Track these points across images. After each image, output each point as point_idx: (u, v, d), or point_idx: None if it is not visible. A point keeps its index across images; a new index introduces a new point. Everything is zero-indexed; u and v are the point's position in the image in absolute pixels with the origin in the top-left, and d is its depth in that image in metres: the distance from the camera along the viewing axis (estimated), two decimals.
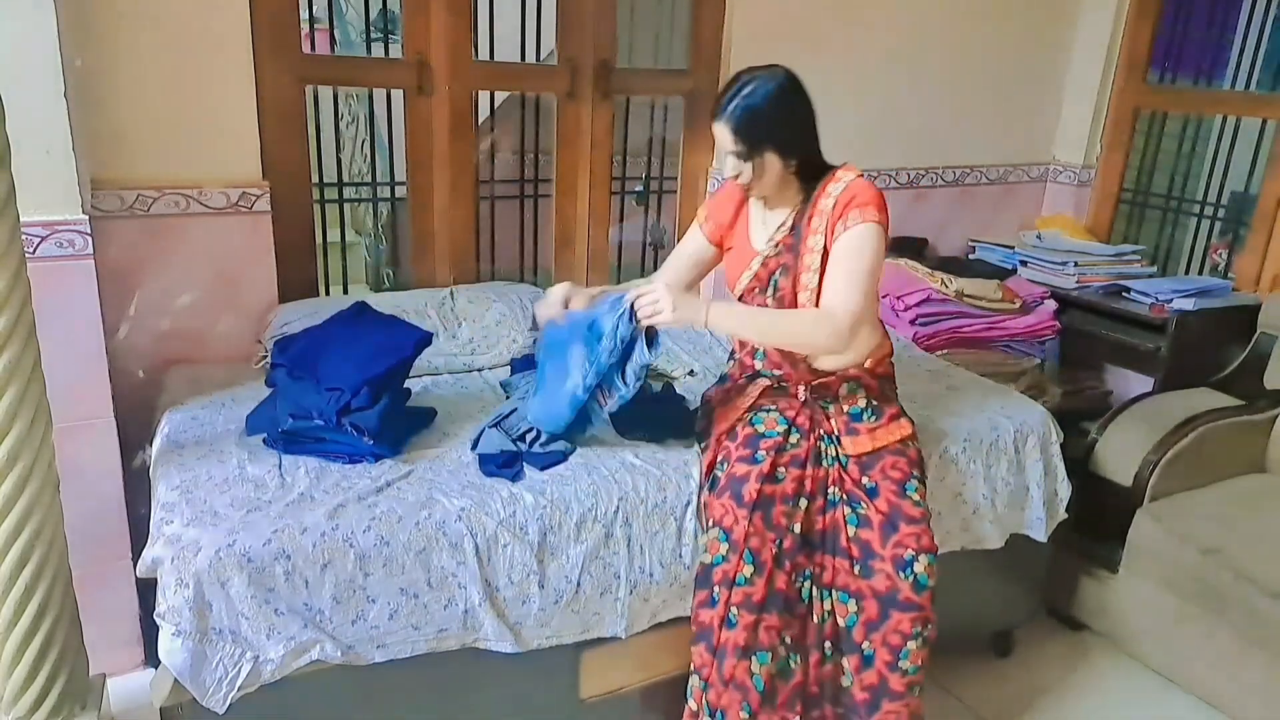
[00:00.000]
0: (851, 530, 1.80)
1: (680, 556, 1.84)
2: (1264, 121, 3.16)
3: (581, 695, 1.89)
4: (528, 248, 2.96)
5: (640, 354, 1.80)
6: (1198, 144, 3.56)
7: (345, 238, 3.19)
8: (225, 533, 1.55)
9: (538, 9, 2.83)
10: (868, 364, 1.90)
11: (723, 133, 1.75)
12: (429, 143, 2.56)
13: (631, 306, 1.76)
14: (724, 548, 1.74)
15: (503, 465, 1.84)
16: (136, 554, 1.67)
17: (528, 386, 2.15)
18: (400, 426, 1.92)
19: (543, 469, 1.85)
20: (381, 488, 1.73)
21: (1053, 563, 2.43)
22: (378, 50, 3.21)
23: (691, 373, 2.44)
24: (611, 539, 1.78)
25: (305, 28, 2.60)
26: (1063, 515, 2.31)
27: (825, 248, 1.78)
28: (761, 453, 1.80)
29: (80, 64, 1.97)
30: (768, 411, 1.89)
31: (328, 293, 2.67)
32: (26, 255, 1.46)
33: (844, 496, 1.82)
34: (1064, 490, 2.30)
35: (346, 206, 3.19)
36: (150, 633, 1.86)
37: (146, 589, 1.65)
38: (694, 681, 1.79)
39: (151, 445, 1.97)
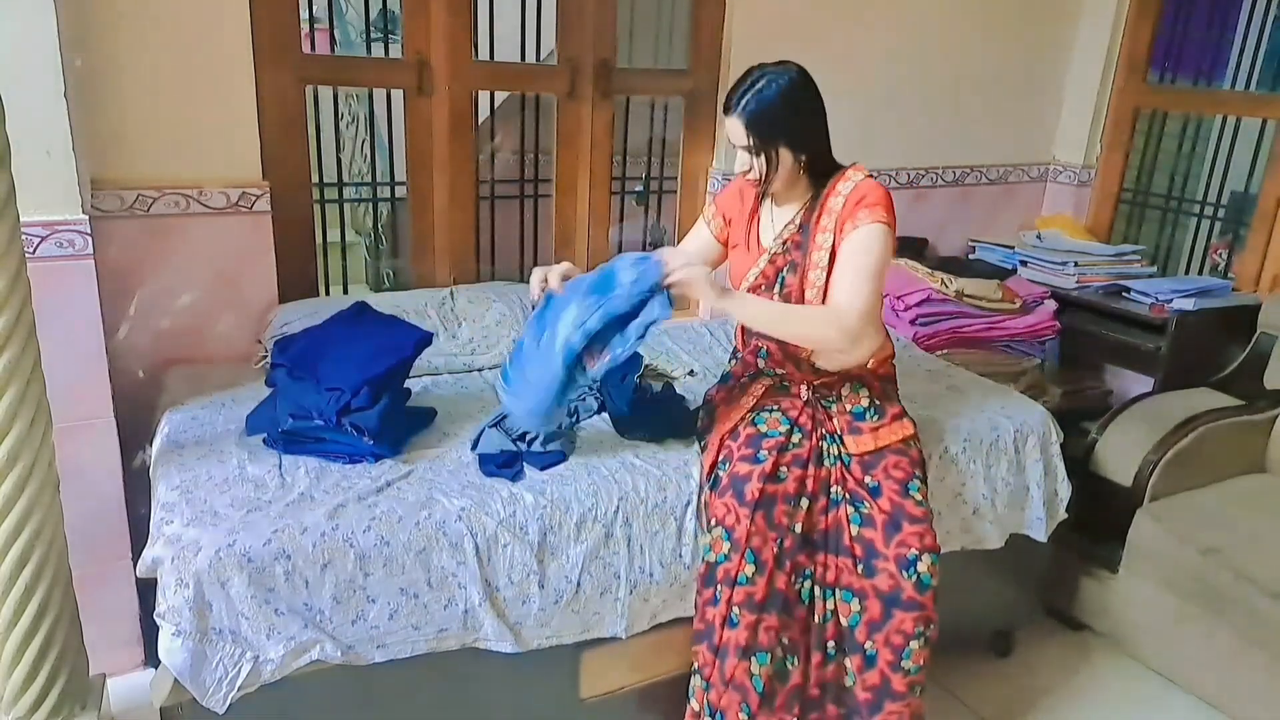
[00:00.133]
0: (854, 529, 1.80)
1: (680, 556, 1.84)
2: (1264, 121, 3.16)
3: (581, 695, 1.89)
4: (528, 248, 2.96)
5: (657, 309, 1.69)
6: (1198, 144, 3.56)
7: (345, 238, 3.19)
8: (225, 533, 1.55)
9: (538, 9, 2.83)
10: (870, 364, 1.90)
11: (735, 127, 1.75)
12: (429, 143, 2.56)
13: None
14: (726, 547, 1.74)
15: (502, 465, 1.84)
16: (136, 554, 1.67)
17: None
18: (400, 426, 1.92)
19: (543, 469, 1.85)
20: (381, 488, 1.73)
21: (1053, 563, 2.43)
22: (378, 50, 3.21)
23: (691, 373, 2.44)
24: (611, 539, 1.78)
25: (305, 28, 2.61)
26: (1063, 515, 2.31)
27: (834, 247, 1.78)
28: (764, 452, 1.80)
29: (80, 64, 1.97)
30: (770, 411, 1.89)
31: (328, 293, 2.68)
32: (26, 255, 1.46)
33: (847, 496, 1.82)
34: (1064, 490, 2.30)
35: (346, 206, 3.20)
36: (150, 633, 1.86)
37: (146, 589, 1.65)
38: (696, 681, 1.79)
39: (151, 445, 1.97)
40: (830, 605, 1.81)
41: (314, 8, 3.38)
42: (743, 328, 2.02)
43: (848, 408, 1.88)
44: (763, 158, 1.76)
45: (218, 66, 2.17)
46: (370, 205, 3.97)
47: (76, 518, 1.69)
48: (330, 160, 2.71)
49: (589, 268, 2.84)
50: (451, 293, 2.52)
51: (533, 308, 1.84)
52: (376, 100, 2.77)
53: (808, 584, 1.80)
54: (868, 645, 1.77)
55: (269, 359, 2.12)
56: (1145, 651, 2.42)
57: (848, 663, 1.81)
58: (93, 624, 1.72)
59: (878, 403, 1.88)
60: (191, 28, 2.12)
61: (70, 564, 1.62)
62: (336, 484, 1.74)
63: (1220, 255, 3.41)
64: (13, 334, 1.42)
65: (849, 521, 1.80)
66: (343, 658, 1.60)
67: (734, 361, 2.06)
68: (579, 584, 1.76)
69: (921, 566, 1.75)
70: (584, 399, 2.13)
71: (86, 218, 1.89)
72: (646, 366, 2.34)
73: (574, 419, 2.07)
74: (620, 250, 3.05)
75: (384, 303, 2.32)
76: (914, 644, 1.75)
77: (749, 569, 1.73)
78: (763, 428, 1.85)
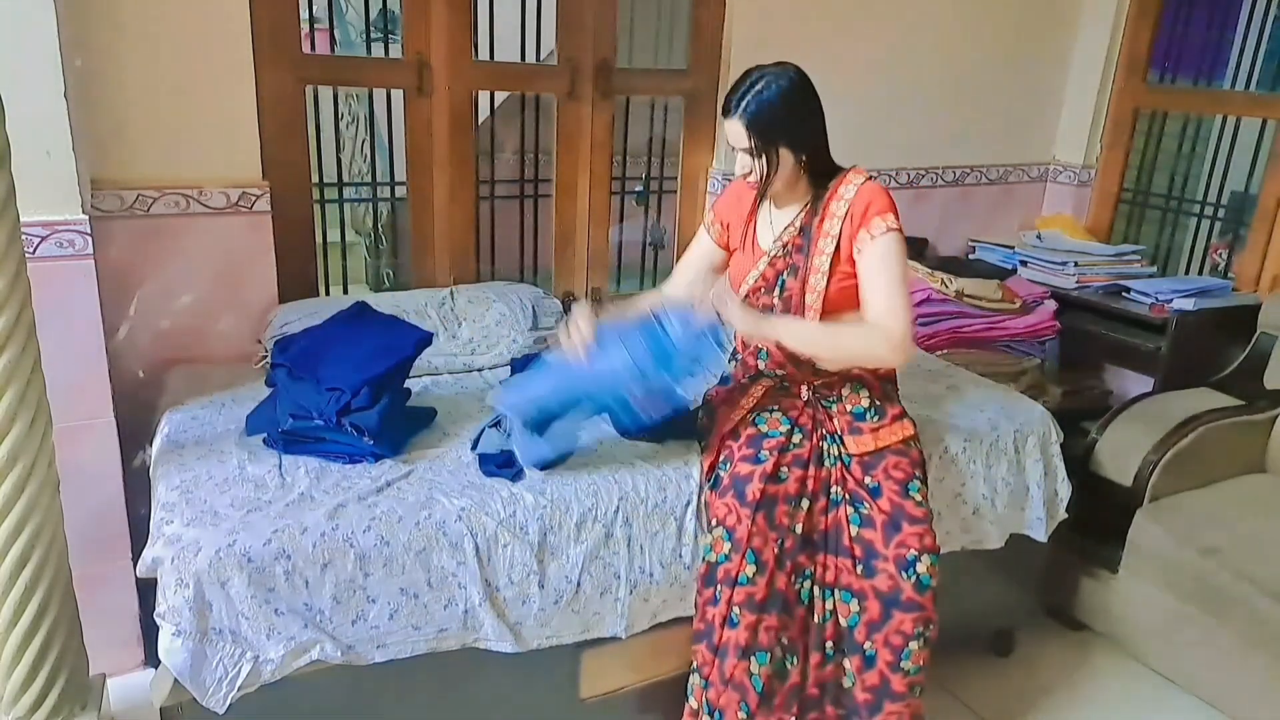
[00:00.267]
0: (854, 530, 1.80)
1: (680, 556, 1.84)
2: (1264, 121, 3.16)
3: (581, 695, 1.89)
4: (528, 248, 2.96)
5: (707, 354, 1.72)
6: (1198, 144, 3.56)
7: (345, 238, 3.20)
8: (225, 533, 1.55)
9: (538, 9, 2.83)
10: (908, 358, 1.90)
11: (735, 129, 1.75)
12: (429, 143, 2.56)
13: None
14: (727, 547, 1.74)
15: (502, 465, 1.83)
16: (136, 554, 1.67)
17: None
18: (400, 426, 1.91)
19: (543, 469, 1.85)
20: (381, 488, 1.73)
21: (1053, 563, 2.43)
22: (378, 50, 3.21)
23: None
24: (612, 539, 1.78)
25: (305, 28, 2.60)
26: (1063, 515, 2.31)
27: (837, 251, 1.78)
28: (765, 452, 1.80)
29: (80, 64, 1.97)
30: (771, 411, 1.89)
31: (328, 293, 2.67)
32: (26, 255, 1.46)
33: (847, 496, 1.82)
34: (1064, 490, 2.30)
35: (346, 206, 3.20)
36: (150, 633, 1.86)
37: (146, 589, 1.65)
38: (695, 680, 1.79)
39: (151, 445, 1.97)
40: (830, 605, 1.81)
41: (314, 8, 3.38)
42: None
43: (848, 408, 1.88)
44: (763, 159, 1.76)
45: (218, 66, 2.17)
46: (370, 205, 3.97)
47: (76, 518, 1.69)
48: (330, 160, 2.71)
49: (589, 267, 2.87)
50: (451, 293, 2.52)
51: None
52: (376, 100, 2.77)
53: (807, 584, 1.80)
54: (867, 646, 1.77)
55: (269, 359, 2.12)
56: (1145, 651, 2.42)
57: (847, 663, 1.81)
58: (93, 624, 1.72)
59: (878, 403, 1.88)
60: (191, 28, 2.12)
61: (70, 564, 1.62)
62: (336, 484, 1.74)
63: (1220, 255, 3.41)
64: (13, 334, 1.42)
65: (849, 522, 1.80)
66: (343, 658, 1.60)
67: (734, 363, 2.06)
68: (579, 584, 1.76)
69: (921, 567, 1.75)
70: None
71: (86, 218, 1.89)
72: None
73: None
74: (620, 250, 3.06)
75: (384, 303, 2.32)
76: (913, 644, 1.75)
77: (750, 569, 1.73)
78: (763, 428, 1.85)
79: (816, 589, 1.81)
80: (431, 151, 2.57)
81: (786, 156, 1.76)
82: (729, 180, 1.84)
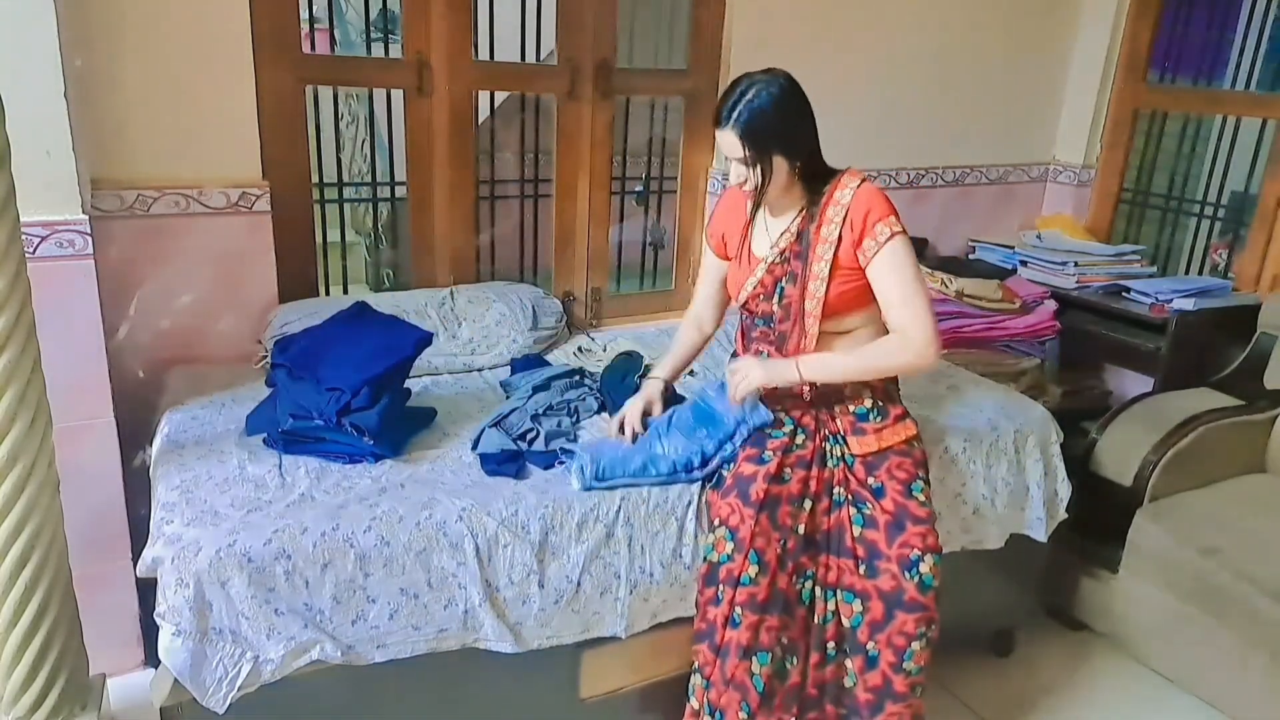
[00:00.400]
0: (857, 530, 1.80)
1: (680, 556, 1.84)
2: (1264, 121, 3.16)
3: (581, 695, 1.89)
4: (528, 248, 2.96)
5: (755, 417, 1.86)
6: (1198, 144, 3.56)
7: (345, 238, 3.19)
8: (225, 533, 1.55)
9: (538, 9, 2.82)
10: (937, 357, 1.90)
11: (729, 139, 1.74)
12: (429, 143, 2.56)
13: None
14: (730, 547, 1.74)
15: (503, 463, 1.84)
16: (136, 554, 1.67)
17: (528, 386, 2.15)
18: (400, 426, 1.91)
19: (545, 468, 1.85)
20: (382, 488, 1.73)
21: (1053, 563, 2.43)
22: (378, 50, 3.21)
23: (691, 372, 2.43)
24: (612, 539, 1.78)
25: (305, 28, 2.60)
26: (1063, 515, 2.31)
27: (835, 258, 1.77)
28: (769, 453, 1.80)
29: (80, 64, 1.97)
30: (773, 412, 1.88)
31: (328, 293, 2.67)
32: (26, 255, 1.46)
33: (849, 497, 1.82)
34: (1064, 490, 2.30)
35: (346, 206, 3.19)
36: (150, 633, 1.86)
37: (146, 589, 1.65)
38: (696, 680, 1.79)
39: (151, 445, 1.97)
40: (832, 606, 1.81)
41: (314, 8, 3.37)
42: (742, 331, 2.01)
43: (851, 409, 1.87)
44: (758, 168, 1.74)
45: (218, 66, 2.17)
46: (370, 205, 3.97)
47: (76, 518, 1.69)
48: (330, 160, 2.71)
49: (589, 267, 2.87)
50: (451, 293, 2.52)
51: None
52: (376, 100, 2.77)
53: (809, 585, 1.80)
54: (870, 646, 1.77)
55: (269, 359, 2.12)
56: (1145, 651, 2.42)
57: (848, 663, 1.81)
58: (93, 624, 1.72)
59: (880, 404, 1.88)
60: (191, 28, 2.12)
61: (70, 564, 1.62)
62: (337, 484, 1.74)
63: (1220, 255, 3.41)
64: (13, 334, 1.42)
65: (851, 522, 1.80)
66: (343, 658, 1.60)
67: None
68: (579, 584, 1.76)
69: (924, 567, 1.75)
70: (584, 399, 2.13)
71: (86, 218, 1.89)
72: (646, 366, 2.34)
73: (574, 419, 2.07)
74: (620, 250, 3.06)
75: (384, 303, 2.32)
76: (916, 645, 1.75)
77: (752, 569, 1.72)
78: (767, 429, 1.85)
79: (818, 589, 1.81)
80: (431, 151, 2.57)
81: (780, 164, 1.75)
82: (729, 181, 1.84)
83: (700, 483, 1.86)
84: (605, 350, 2.56)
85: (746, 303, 1.92)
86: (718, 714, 1.74)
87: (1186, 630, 2.26)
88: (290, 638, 1.56)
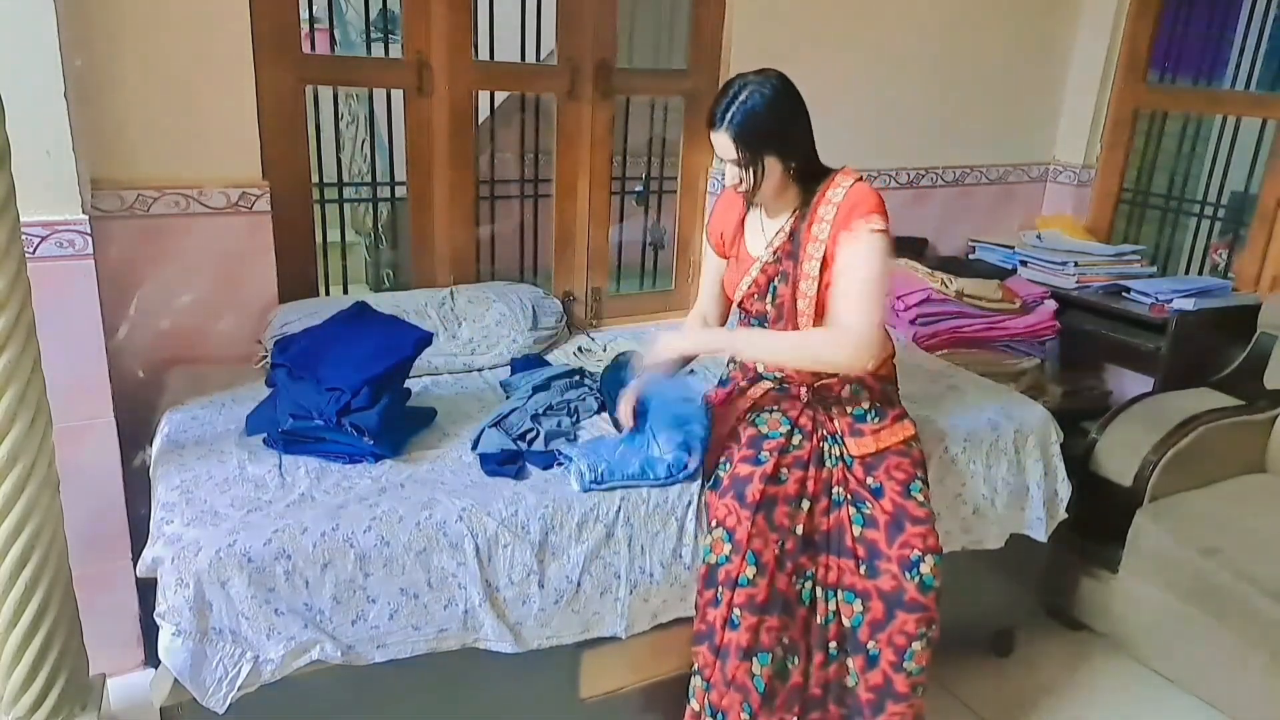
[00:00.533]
0: (857, 530, 1.80)
1: (680, 557, 1.84)
2: (1264, 121, 3.16)
3: (581, 695, 1.89)
4: (528, 248, 2.96)
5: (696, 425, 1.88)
6: (1198, 144, 3.55)
7: (345, 238, 3.19)
8: (225, 533, 1.55)
9: (538, 9, 2.82)
10: (870, 365, 1.89)
11: (723, 141, 1.73)
12: (429, 143, 2.56)
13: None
14: (727, 548, 1.74)
15: (503, 463, 1.84)
16: (136, 554, 1.67)
17: (528, 386, 2.15)
18: (400, 426, 1.91)
19: (545, 468, 1.85)
20: (382, 488, 1.73)
21: (1053, 563, 2.43)
22: (378, 50, 3.21)
23: (691, 371, 2.43)
24: (613, 539, 1.78)
25: (305, 28, 2.60)
26: (1063, 515, 2.31)
27: (826, 255, 1.77)
28: (765, 454, 1.79)
29: (80, 64, 1.97)
30: (770, 412, 1.89)
31: (328, 293, 2.67)
32: (26, 255, 1.46)
33: (849, 497, 1.82)
34: (1064, 490, 2.30)
35: (346, 206, 3.19)
36: (150, 633, 1.86)
37: (146, 589, 1.65)
38: (696, 682, 1.79)
39: (151, 445, 1.97)
40: (832, 606, 1.81)
41: (314, 8, 3.37)
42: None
43: (848, 410, 1.87)
44: (751, 170, 1.74)
45: (218, 66, 2.17)
46: (370, 205, 3.96)
47: (76, 518, 1.69)
48: (330, 160, 2.71)
49: (589, 267, 2.87)
50: (451, 293, 2.52)
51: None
52: (376, 100, 2.77)
53: (809, 585, 1.80)
54: (870, 646, 1.78)
55: (269, 359, 2.12)
56: (1145, 651, 2.42)
57: (850, 663, 1.81)
58: (93, 624, 1.72)
59: (878, 404, 1.88)
60: (191, 28, 2.12)
61: (70, 564, 1.63)
62: (337, 484, 1.74)
63: (1220, 255, 3.41)
64: (13, 334, 1.42)
65: (851, 522, 1.80)
66: (343, 658, 1.60)
67: (732, 366, 2.05)
68: (579, 584, 1.76)
69: (924, 567, 1.75)
70: (584, 399, 2.13)
71: (86, 218, 1.89)
72: None
73: (574, 419, 2.07)
74: (620, 250, 3.06)
75: (384, 303, 2.32)
76: (916, 645, 1.75)
77: (750, 570, 1.72)
78: (763, 429, 1.85)
79: (819, 590, 1.81)
80: (431, 151, 2.57)
81: (774, 165, 1.75)
82: (724, 182, 1.84)
83: (700, 482, 1.86)
84: (605, 350, 2.56)
85: (742, 301, 1.92)
86: (720, 715, 1.74)
87: (1186, 630, 2.26)
88: (290, 638, 1.56)
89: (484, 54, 2.68)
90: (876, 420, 1.87)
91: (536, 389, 2.14)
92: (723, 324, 2.09)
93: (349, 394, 1.80)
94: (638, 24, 3.42)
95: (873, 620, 1.77)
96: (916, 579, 1.75)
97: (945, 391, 2.37)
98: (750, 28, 2.81)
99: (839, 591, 1.81)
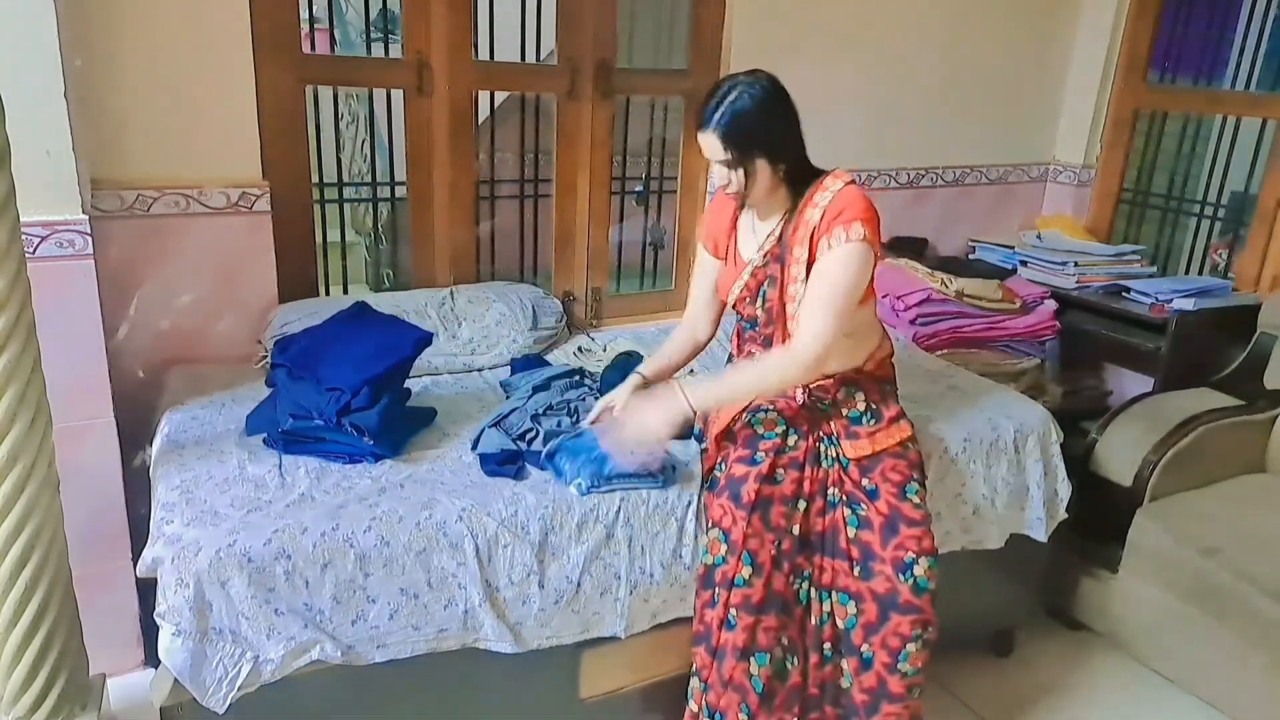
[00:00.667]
0: (852, 531, 1.80)
1: (680, 557, 1.84)
2: (1264, 121, 3.16)
3: (581, 695, 1.89)
4: (528, 248, 2.96)
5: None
6: (1198, 144, 3.55)
7: (345, 238, 3.19)
8: (225, 533, 1.55)
9: (538, 9, 2.82)
10: (867, 366, 1.89)
11: (711, 142, 1.73)
12: (429, 143, 2.56)
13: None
14: (723, 549, 1.74)
15: (503, 463, 1.84)
16: (136, 554, 1.67)
17: (528, 386, 2.15)
18: (400, 426, 1.92)
19: (544, 469, 1.85)
20: (382, 488, 1.73)
21: (1053, 563, 2.43)
22: (378, 50, 3.21)
23: (691, 371, 2.43)
24: (612, 539, 1.78)
25: (305, 28, 2.60)
26: (1063, 515, 2.31)
27: (810, 258, 1.76)
28: (760, 454, 1.79)
29: (80, 64, 1.97)
30: (766, 412, 1.88)
31: (328, 293, 2.67)
32: (26, 255, 1.46)
33: (844, 497, 1.82)
34: (1064, 490, 2.30)
35: (346, 206, 3.19)
36: (150, 633, 1.86)
37: (146, 589, 1.65)
38: (694, 683, 1.79)
39: (151, 445, 1.97)
40: (827, 608, 1.80)
41: (314, 8, 3.37)
42: (738, 333, 2.01)
43: (844, 412, 1.86)
44: (740, 171, 1.73)
45: (218, 66, 2.17)
46: (370, 205, 3.96)
47: (76, 518, 1.69)
48: (330, 160, 2.71)
49: (589, 267, 2.87)
50: (451, 293, 2.52)
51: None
52: (376, 100, 2.77)
53: (805, 585, 1.80)
54: (864, 648, 1.77)
55: (269, 359, 2.12)
56: (1145, 651, 2.42)
57: (844, 664, 1.80)
58: (93, 624, 1.72)
59: (874, 406, 1.87)
60: (191, 28, 2.12)
61: (70, 564, 1.62)
62: (336, 484, 1.74)
63: (1220, 255, 3.41)
64: (13, 334, 1.42)
65: (846, 524, 1.80)
66: (343, 658, 1.60)
67: (728, 368, 2.05)
68: (579, 584, 1.76)
69: (919, 570, 1.75)
70: (584, 399, 2.13)
71: (86, 218, 1.89)
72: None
73: (574, 419, 2.07)
74: (620, 250, 3.06)
75: (384, 303, 2.32)
76: (911, 646, 1.75)
77: (746, 571, 1.72)
78: (759, 429, 1.85)
79: (814, 590, 1.81)
80: (431, 151, 2.57)
81: (764, 167, 1.74)
82: (713, 183, 1.83)
83: (699, 483, 1.86)
84: (605, 350, 2.56)
85: (735, 305, 1.92)
86: (718, 716, 1.74)
87: (1186, 630, 2.26)
88: (290, 638, 1.56)
89: (484, 54, 2.68)
90: (872, 422, 1.86)
91: (536, 389, 2.14)
92: (713, 331, 2.06)
93: (349, 394, 1.80)
94: (638, 24, 3.42)
95: (866, 622, 1.77)
96: (910, 581, 1.75)
97: (945, 391, 2.37)
98: (750, 28, 2.81)
99: (833, 593, 1.80)
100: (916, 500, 1.81)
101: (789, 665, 1.77)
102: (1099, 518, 2.43)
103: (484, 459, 1.85)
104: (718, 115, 1.70)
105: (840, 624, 1.80)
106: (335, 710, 1.69)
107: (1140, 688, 2.39)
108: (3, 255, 1.38)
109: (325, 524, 1.60)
